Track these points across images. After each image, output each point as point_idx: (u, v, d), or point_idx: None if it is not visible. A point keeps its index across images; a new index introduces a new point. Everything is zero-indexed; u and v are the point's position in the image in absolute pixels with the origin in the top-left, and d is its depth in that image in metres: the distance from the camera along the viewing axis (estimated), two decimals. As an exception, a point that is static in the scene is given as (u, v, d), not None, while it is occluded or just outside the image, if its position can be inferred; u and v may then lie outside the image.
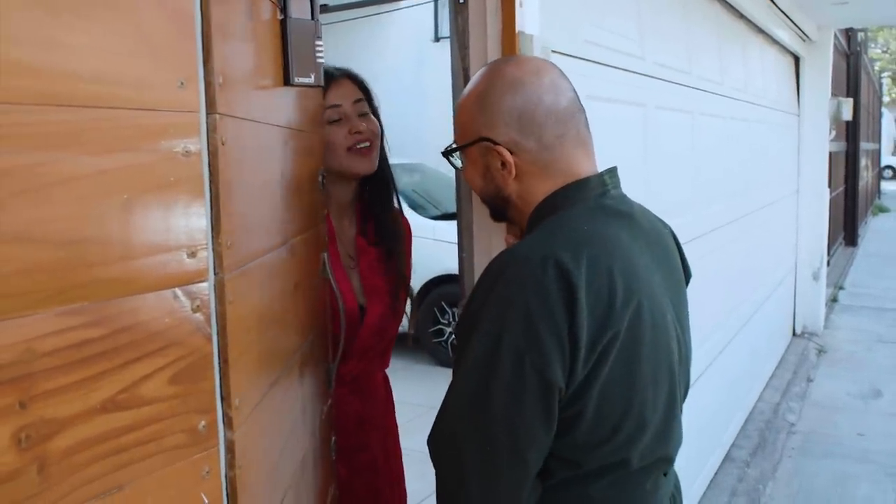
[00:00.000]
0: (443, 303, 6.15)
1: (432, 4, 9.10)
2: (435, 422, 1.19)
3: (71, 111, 0.76)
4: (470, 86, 1.29)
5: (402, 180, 6.91)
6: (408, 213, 6.39)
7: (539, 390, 1.09)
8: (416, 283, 6.25)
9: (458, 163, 1.34)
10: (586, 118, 1.27)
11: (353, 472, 1.82)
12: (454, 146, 1.32)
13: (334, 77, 1.76)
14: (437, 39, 9.21)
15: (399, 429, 2.03)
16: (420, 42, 9.43)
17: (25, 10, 0.71)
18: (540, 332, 1.08)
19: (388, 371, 2.01)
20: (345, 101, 1.75)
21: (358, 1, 9.06)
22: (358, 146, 1.74)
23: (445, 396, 1.17)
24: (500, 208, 1.31)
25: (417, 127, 7.56)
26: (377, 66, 8.62)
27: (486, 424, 1.11)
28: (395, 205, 1.92)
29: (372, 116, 1.81)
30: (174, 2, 0.86)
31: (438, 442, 1.18)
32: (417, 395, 4.07)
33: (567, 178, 1.23)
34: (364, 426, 1.85)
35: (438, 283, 6.09)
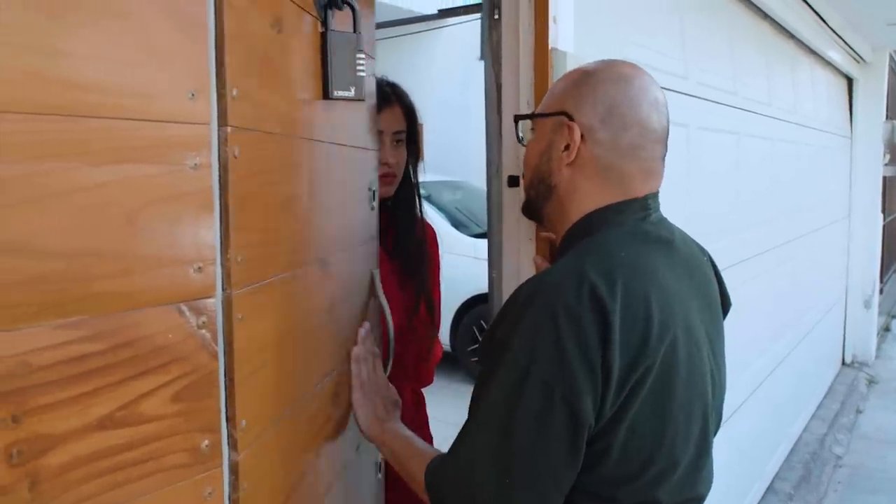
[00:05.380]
0: (482, 321, 6.10)
1: (478, 23, 9.11)
2: (449, 453, 1.13)
3: (72, 121, 0.74)
4: (581, 67, 1.24)
5: (445, 198, 6.91)
6: (449, 230, 6.39)
7: (567, 424, 1.03)
8: (455, 301, 6.24)
9: (523, 133, 1.29)
10: (665, 154, 1.21)
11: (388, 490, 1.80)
12: (533, 113, 1.28)
13: (389, 102, 1.80)
14: (482, 58, 9.21)
15: (435, 447, 2.00)
16: (465, 60, 9.45)
17: (27, 16, 0.70)
18: (572, 362, 1.01)
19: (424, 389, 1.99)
20: (387, 129, 1.79)
21: (404, 19, 9.12)
22: (383, 175, 1.78)
23: (464, 426, 1.12)
24: (540, 197, 1.24)
25: (461, 145, 7.56)
26: (422, 83, 8.66)
27: (507, 457, 1.05)
28: (418, 215, 1.93)
29: (403, 145, 1.85)
30: (185, 10, 0.85)
31: (449, 475, 1.12)
32: (454, 414, 4.01)
33: (616, 195, 1.17)
34: None
35: (478, 301, 6.05)
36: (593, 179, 1.17)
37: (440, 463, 1.15)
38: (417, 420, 1.96)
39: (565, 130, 1.17)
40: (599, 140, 1.16)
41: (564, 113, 1.18)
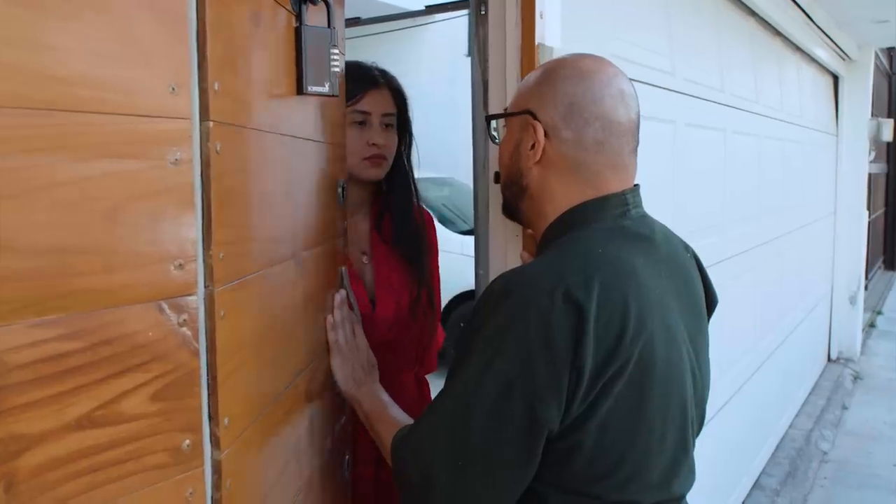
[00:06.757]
0: (469, 318, 6.07)
1: (465, 19, 9.09)
2: (414, 426, 1.15)
3: (54, 115, 0.73)
4: (546, 62, 1.26)
5: (432, 194, 6.89)
6: (436, 226, 6.39)
7: (524, 421, 1.02)
8: (443, 298, 6.20)
9: (495, 133, 1.31)
10: (636, 146, 1.21)
11: (378, 467, 1.79)
12: (501, 112, 1.29)
13: (376, 83, 1.79)
14: (469, 54, 9.19)
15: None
16: (453, 56, 9.43)
17: (7, 9, 0.69)
18: (536, 362, 1.01)
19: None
20: (374, 111, 1.76)
21: (391, 15, 9.08)
22: (372, 156, 1.76)
23: (431, 404, 1.13)
24: (515, 198, 1.25)
25: (449, 141, 7.53)
26: (409, 79, 8.60)
27: (462, 442, 1.06)
28: (415, 201, 1.91)
29: (394, 130, 1.81)
30: (167, 5, 0.83)
31: (410, 448, 1.13)
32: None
33: (588, 192, 1.16)
34: None
35: (465, 298, 6.03)
36: (563, 177, 1.17)
37: (405, 435, 1.16)
38: (421, 404, 1.95)
39: (531, 129, 1.18)
40: (564, 137, 1.16)
41: (529, 111, 1.19)
